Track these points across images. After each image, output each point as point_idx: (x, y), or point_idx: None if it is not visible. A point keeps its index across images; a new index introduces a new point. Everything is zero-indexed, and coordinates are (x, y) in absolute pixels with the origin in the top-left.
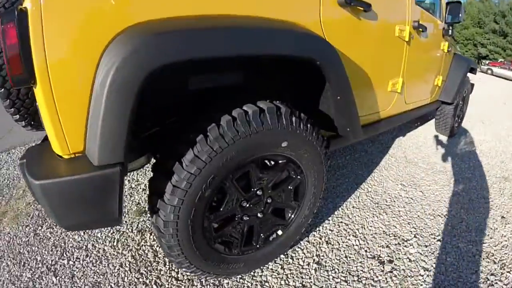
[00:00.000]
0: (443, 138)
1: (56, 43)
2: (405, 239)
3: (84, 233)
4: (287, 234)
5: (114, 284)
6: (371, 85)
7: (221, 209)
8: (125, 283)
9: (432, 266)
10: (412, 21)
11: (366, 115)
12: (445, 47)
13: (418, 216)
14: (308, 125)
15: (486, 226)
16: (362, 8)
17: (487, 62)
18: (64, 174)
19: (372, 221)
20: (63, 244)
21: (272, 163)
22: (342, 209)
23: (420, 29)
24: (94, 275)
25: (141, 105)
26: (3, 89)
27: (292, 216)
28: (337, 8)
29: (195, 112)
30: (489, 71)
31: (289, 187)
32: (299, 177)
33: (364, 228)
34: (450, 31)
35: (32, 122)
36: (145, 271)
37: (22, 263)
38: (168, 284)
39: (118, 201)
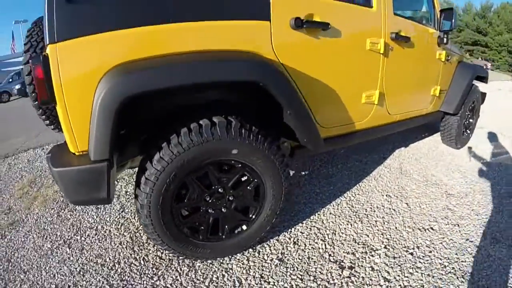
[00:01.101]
0: (449, 150)
1: (68, 78)
2: (374, 249)
3: (96, 216)
4: (251, 230)
5: (112, 256)
6: (337, 99)
7: (185, 200)
8: (120, 256)
9: (395, 278)
10: (390, 32)
11: (332, 127)
12: (442, 56)
13: (396, 228)
14: (259, 136)
15: (472, 244)
16: (319, 28)
17: None
18: (72, 165)
19: (345, 228)
20: (79, 224)
21: (230, 166)
22: (318, 214)
23: (403, 40)
24: (98, 249)
25: (135, 119)
26: (36, 102)
27: (254, 215)
28: (290, 32)
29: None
30: None
31: (248, 187)
32: (256, 180)
33: (335, 234)
34: (445, 39)
35: (59, 127)
36: (138, 249)
37: (45, 237)
38: (152, 261)
39: (107, 186)
